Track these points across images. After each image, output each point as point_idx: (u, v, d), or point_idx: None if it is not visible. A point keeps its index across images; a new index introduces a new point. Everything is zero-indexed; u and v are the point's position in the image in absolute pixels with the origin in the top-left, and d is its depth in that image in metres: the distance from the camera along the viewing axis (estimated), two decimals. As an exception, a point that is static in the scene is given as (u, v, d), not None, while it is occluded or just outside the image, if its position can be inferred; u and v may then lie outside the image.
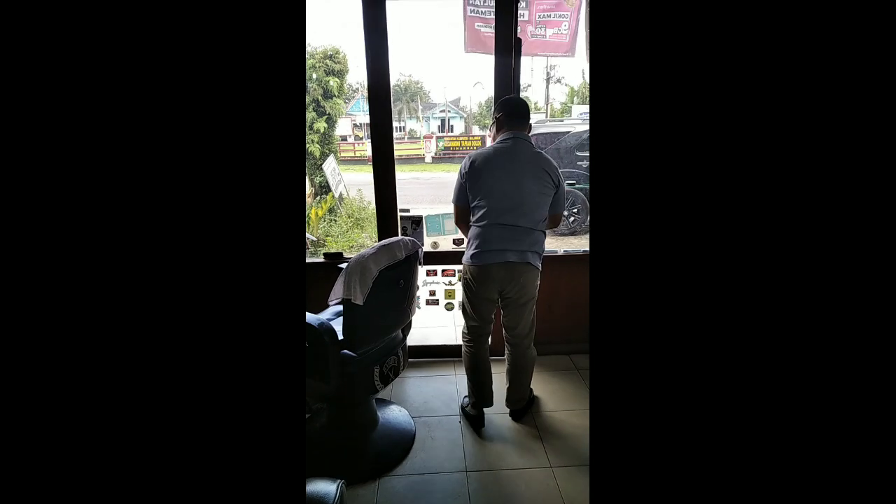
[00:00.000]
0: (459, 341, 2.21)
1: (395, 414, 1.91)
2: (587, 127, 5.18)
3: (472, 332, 1.79)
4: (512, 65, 1.93)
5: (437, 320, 2.78)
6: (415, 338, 2.41)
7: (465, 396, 1.97)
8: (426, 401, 2.05)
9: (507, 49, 1.92)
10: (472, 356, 1.82)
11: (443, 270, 2.30)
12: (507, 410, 1.91)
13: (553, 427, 1.85)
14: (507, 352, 1.85)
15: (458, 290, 2.29)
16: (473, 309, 1.74)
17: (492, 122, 1.70)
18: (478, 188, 1.60)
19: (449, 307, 2.36)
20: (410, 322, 1.81)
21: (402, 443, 1.75)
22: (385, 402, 1.99)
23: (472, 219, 1.65)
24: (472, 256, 1.63)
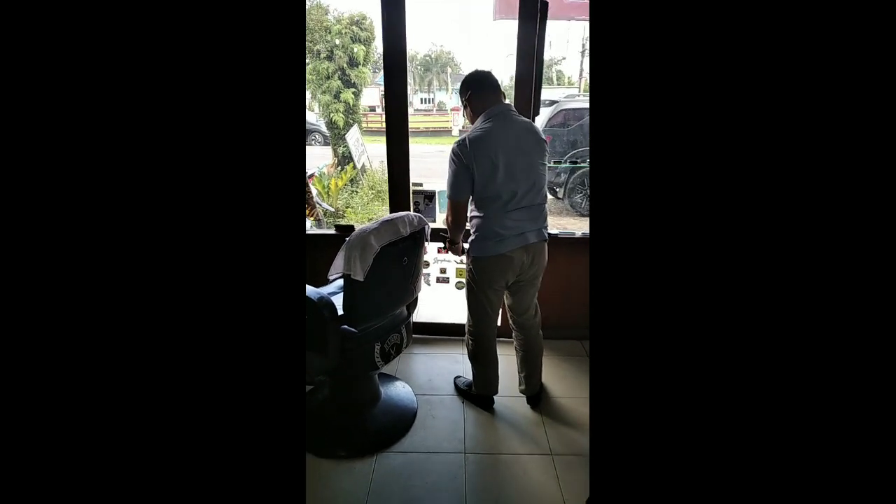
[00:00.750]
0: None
1: (398, 390, 1.90)
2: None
3: (483, 324, 1.66)
4: (536, 31, 1.79)
5: (447, 298, 2.75)
6: (424, 315, 2.39)
7: (457, 377, 1.97)
8: (431, 378, 2.03)
9: (532, 13, 1.77)
10: (485, 349, 1.70)
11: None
12: (512, 394, 1.87)
13: (558, 414, 1.81)
14: (516, 337, 1.78)
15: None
16: (488, 302, 1.61)
17: (462, 104, 1.53)
18: (490, 173, 1.41)
19: (459, 286, 2.31)
20: (416, 299, 1.76)
21: (402, 420, 1.74)
22: (390, 378, 1.98)
23: (483, 207, 1.47)
24: (491, 247, 1.48)
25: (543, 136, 1.50)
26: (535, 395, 1.83)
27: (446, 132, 14.64)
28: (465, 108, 1.54)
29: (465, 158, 1.41)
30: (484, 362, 1.74)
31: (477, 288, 1.59)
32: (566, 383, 2.00)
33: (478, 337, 1.70)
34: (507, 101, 1.50)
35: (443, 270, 2.28)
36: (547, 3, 1.79)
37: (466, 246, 1.61)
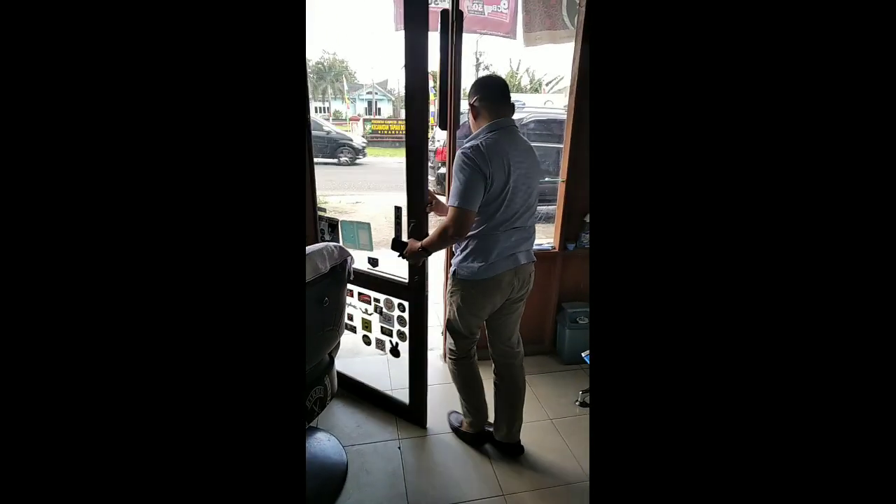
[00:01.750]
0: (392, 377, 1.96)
1: (321, 445, 1.64)
2: (520, 115, 5.10)
3: (465, 348, 1.55)
4: (452, 42, 1.68)
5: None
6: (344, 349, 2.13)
7: (452, 412, 1.80)
8: (359, 424, 1.80)
9: (446, 23, 1.67)
10: (470, 374, 1.59)
11: (359, 294, 1.85)
12: (447, 430, 1.73)
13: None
14: (496, 372, 1.60)
15: (375, 321, 1.87)
16: (472, 325, 1.49)
17: (470, 105, 1.36)
18: (501, 186, 1.27)
19: (366, 341, 1.93)
20: (338, 343, 1.53)
21: (331, 482, 1.50)
22: (310, 430, 1.70)
23: (481, 223, 1.32)
24: (482, 269, 1.35)
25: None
26: (516, 443, 1.64)
27: (346, 142, 14.17)
28: (470, 110, 1.37)
29: (481, 165, 1.23)
30: (468, 386, 1.61)
31: (466, 311, 1.45)
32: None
33: (452, 355, 1.58)
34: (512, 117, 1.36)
35: (350, 317, 1.89)
36: (462, 14, 1.70)
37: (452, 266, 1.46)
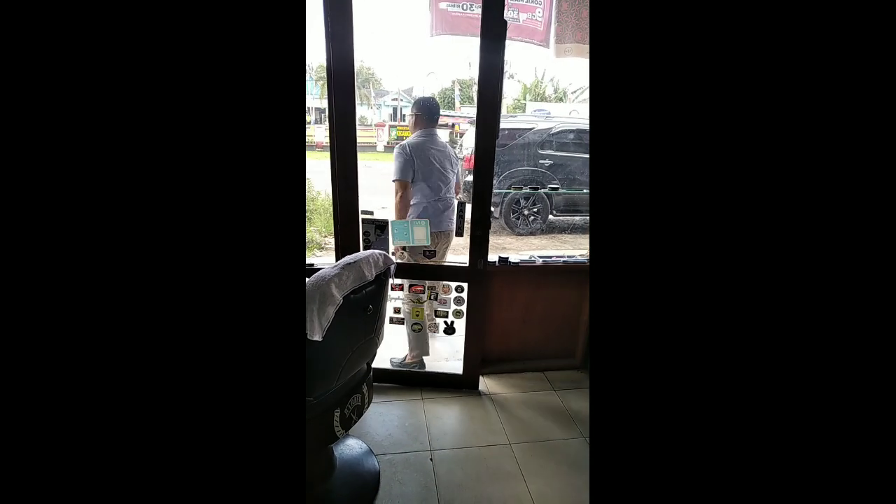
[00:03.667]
0: (427, 368, 2.18)
1: (354, 452, 1.63)
2: (549, 125, 5.07)
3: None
4: (497, 47, 1.68)
5: (401, 340, 2.51)
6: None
7: (392, 359, 2.20)
8: (390, 433, 1.78)
9: (494, 31, 1.66)
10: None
11: (410, 285, 2.02)
12: (485, 443, 1.70)
13: (533, 461, 1.66)
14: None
15: (427, 307, 2.04)
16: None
17: (411, 116, 2.07)
18: (418, 169, 1.99)
19: (417, 328, 2.08)
20: (376, 352, 1.52)
21: (364, 490, 1.48)
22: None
23: (414, 195, 2.02)
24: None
25: (454, 154, 2.14)
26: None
27: (371, 147, 14.38)
28: (412, 118, 2.08)
29: (406, 151, 1.98)
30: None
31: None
32: (537, 425, 1.86)
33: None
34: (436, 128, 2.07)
35: (396, 311, 2.05)
36: (506, 22, 1.70)
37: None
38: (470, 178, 1.82)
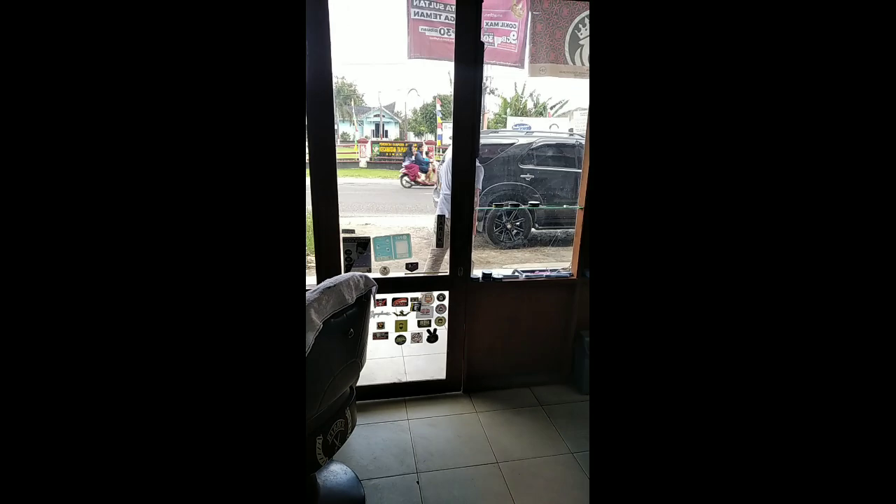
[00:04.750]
0: (409, 378, 2.25)
1: (338, 479, 1.59)
2: (530, 139, 5.15)
3: None
4: (475, 71, 1.71)
5: (385, 352, 2.48)
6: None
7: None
8: (375, 456, 1.74)
9: (470, 55, 1.70)
10: None
11: (393, 299, 2.02)
12: (473, 463, 1.68)
13: (523, 478, 1.64)
14: None
15: (411, 319, 2.05)
16: None
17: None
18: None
19: (400, 340, 2.07)
20: (359, 375, 1.50)
21: (349, 519, 1.44)
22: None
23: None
24: None
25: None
26: None
27: (353, 163, 14.39)
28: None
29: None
30: None
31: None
32: (525, 441, 1.85)
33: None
34: None
35: (380, 325, 2.03)
36: (483, 45, 1.73)
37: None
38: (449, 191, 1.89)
